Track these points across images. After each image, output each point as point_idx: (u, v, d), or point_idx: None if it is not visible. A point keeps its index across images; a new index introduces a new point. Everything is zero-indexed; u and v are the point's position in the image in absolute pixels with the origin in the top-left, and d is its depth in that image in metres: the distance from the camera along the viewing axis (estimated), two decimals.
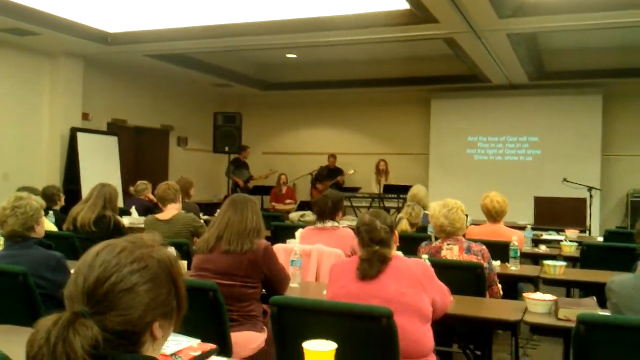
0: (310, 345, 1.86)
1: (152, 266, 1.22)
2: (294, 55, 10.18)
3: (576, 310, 2.64)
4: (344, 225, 4.91)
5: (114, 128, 10.05)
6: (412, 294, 2.51)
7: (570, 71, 9.73)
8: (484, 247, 3.56)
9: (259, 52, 9.90)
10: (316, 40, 7.96)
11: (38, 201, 3.17)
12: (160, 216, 4.76)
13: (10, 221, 3.00)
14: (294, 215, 7.45)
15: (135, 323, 1.18)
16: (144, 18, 7.48)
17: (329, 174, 11.11)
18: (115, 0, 6.88)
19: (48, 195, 5.68)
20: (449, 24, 6.80)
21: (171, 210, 4.79)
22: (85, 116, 9.33)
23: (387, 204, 10.13)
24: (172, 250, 3.58)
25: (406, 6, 6.47)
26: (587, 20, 6.63)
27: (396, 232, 2.74)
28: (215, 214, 6.76)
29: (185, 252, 4.04)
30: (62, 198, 6.00)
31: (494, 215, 4.67)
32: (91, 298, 1.16)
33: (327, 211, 4.20)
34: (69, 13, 7.29)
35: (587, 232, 7.57)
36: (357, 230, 2.69)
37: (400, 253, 3.50)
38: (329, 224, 4.20)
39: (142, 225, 5.57)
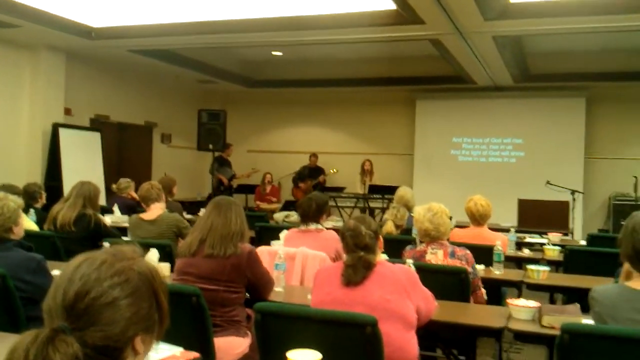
0: (294, 356, 1.83)
1: (133, 279, 1.19)
2: (280, 53, 10.14)
3: (560, 317, 2.65)
4: (329, 227, 4.91)
5: (97, 124, 9.94)
6: (397, 300, 2.50)
7: (555, 74, 9.82)
8: (468, 251, 3.56)
9: (244, 49, 9.86)
10: (302, 39, 7.93)
11: (16, 201, 3.09)
12: (145, 216, 4.70)
13: None
14: (279, 216, 7.42)
15: (117, 338, 1.15)
16: (128, 13, 7.40)
17: (311, 174, 11.08)
18: None
19: (29, 193, 5.60)
20: (435, 25, 6.81)
21: (155, 210, 4.73)
22: (67, 111, 9.21)
23: (371, 204, 10.14)
24: (154, 252, 3.54)
25: (392, 7, 6.46)
26: (571, 24, 6.68)
27: (381, 238, 2.73)
28: (199, 213, 6.70)
29: (168, 253, 3.99)
30: (44, 196, 5.91)
31: (477, 218, 4.68)
32: (71, 313, 1.13)
33: (311, 214, 4.17)
34: (52, 6, 7.18)
35: (570, 235, 7.62)
36: (342, 235, 2.68)
37: (385, 256, 3.51)
38: (313, 226, 4.17)
39: (125, 224, 5.52)
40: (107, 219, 5.78)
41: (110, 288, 1.15)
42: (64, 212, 4.58)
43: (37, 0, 6.96)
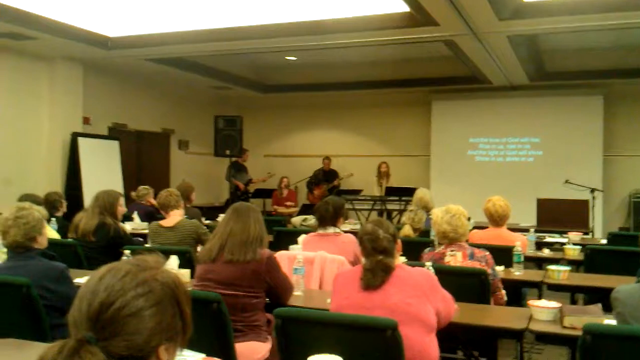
0: None
1: (156, 290, 1.21)
2: (294, 58, 10.17)
3: (582, 318, 2.63)
4: (346, 229, 4.91)
5: (115, 132, 10.04)
6: (417, 304, 2.50)
7: (571, 72, 9.72)
8: (487, 253, 3.54)
9: (258, 55, 9.88)
10: (316, 44, 7.94)
11: (40, 211, 3.15)
12: (164, 223, 4.75)
13: (12, 232, 2.98)
14: (296, 220, 7.42)
15: (141, 348, 1.17)
16: (143, 22, 7.47)
17: (325, 177, 11.09)
18: (115, 4, 6.87)
19: (50, 202, 5.69)
20: (449, 27, 6.79)
21: (175, 217, 4.78)
22: (86, 120, 9.32)
23: (389, 207, 10.11)
24: (174, 259, 3.57)
25: (406, 9, 6.45)
26: (586, 21, 6.62)
27: (399, 241, 2.72)
28: (218, 219, 6.73)
29: (188, 259, 4.03)
30: (64, 204, 6.00)
31: (496, 219, 4.65)
32: (96, 323, 1.15)
33: (328, 217, 4.19)
34: (68, 17, 7.27)
35: (590, 234, 7.55)
36: (360, 239, 2.68)
37: (404, 258, 3.51)
38: (331, 230, 4.18)
39: (145, 231, 5.57)
40: (127, 226, 5.84)
41: (134, 298, 1.17)
42: (84, 221, 4.64)
43: (53, 11, 7.06)
